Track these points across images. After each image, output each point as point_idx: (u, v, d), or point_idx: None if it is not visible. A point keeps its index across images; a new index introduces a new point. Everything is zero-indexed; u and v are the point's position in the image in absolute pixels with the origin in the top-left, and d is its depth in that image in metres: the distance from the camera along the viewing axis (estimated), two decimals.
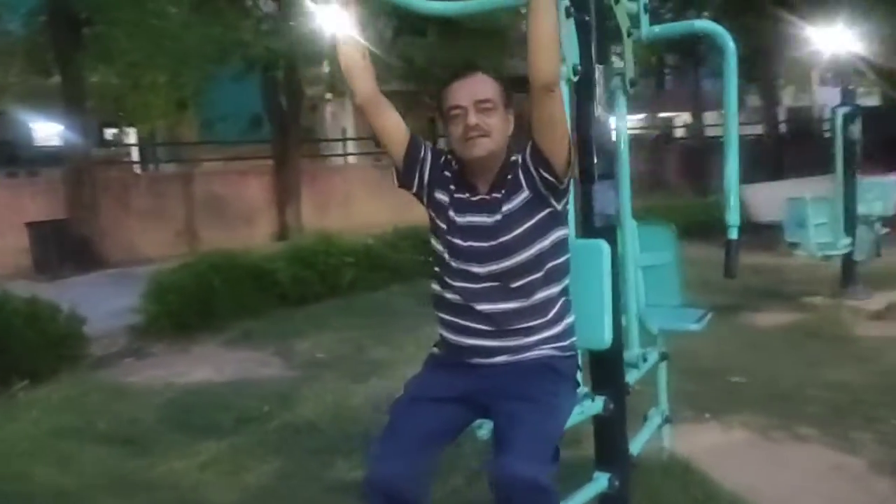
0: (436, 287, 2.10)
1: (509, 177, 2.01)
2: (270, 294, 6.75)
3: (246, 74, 10.97)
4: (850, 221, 5.68)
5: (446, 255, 2.04)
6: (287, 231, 11.68)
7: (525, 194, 2.00)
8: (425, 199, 2.10)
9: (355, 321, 6.40)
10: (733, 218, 2.60)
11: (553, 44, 1.83)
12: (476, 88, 1.98)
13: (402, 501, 1.85)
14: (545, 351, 2.01)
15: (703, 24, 2.67)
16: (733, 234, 2.62)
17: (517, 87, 2.03)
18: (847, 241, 5.60)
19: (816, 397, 4.04)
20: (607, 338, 2.14)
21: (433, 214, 2.09)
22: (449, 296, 2.05)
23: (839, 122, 5.59)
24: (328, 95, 12.18)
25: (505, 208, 1.99)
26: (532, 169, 1.98)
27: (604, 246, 2.16)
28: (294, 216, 11.76)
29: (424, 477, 1.92)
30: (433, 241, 2.10)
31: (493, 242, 1.99)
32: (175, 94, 9.58)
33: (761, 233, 8.02)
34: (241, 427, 3.89)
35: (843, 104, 5.73)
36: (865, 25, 10.59)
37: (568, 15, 2.17)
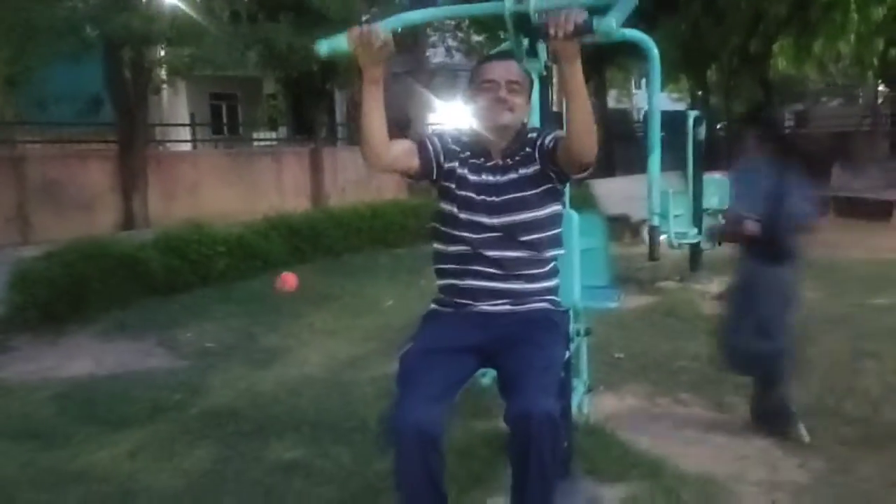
0: (439, 245, 2.33)
1: (526, 149, 2.27)
2: (141, 284, 6.48)
3: (86, 52, 10.28)
4: (698, 214, 6.38)
5: (455, 209, 2.26)
6: (133, 220, 11.11)
7: (536, 167, 2.26)
8: (436, 176, 2.31)
9: (235, 310, 6.32)
10: (656, 206, 2.95)
11: (593, 129, 2.05)
12: (510, 70, 2.25)
13: (431, 442, 2.02)
14: (543, 304, 2.28)
15: (632, 33, 2.99)
16: (655, 221, 2.97)
17: None
18: (696, 231, 6.28)
19: (686, 367, 4.56)
20: (577, 296, 2.42)
21: (444, 182, 2.30)
22: (455, 248, 2.27)
23: (690, 124, 6.25)
24: (164, 77, 11.67)
25: (521, 171, 2.26)
26: (547, 158, 2.24)
27: (573, 214, 2.43)
28: (140, 204, 11.19)
29: (445, 421, 2.10)
30: (441, 204, 2.31)
31: (507, 197, 2.24)
32: (5, 71, 8.85)
33: (609, 224, 8.73)
34: (157, 416, 3.81)
35: (691, 108, 6.41)
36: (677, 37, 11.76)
37: None
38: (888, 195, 11.29)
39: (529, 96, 2.32)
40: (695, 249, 6.70)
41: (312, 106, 14.21)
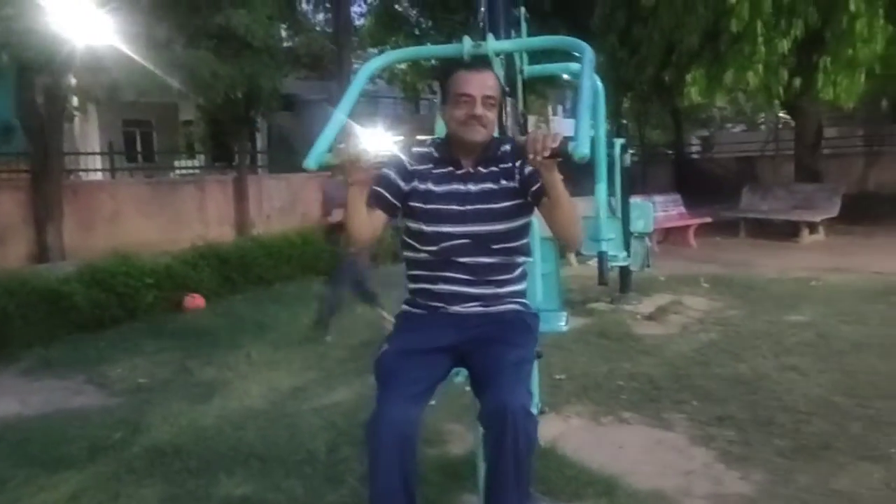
0: (409, 254, 2.38)
1: (506, 163, 2.32)
2: (65, 319, 6.24)
3: None
4: (627, 237, 6.59)
5: (422, 225, 2.31)
6: (47, 252, 10.65)
7: (514, 184, 2.30)
8: (402, 205, 2.35)
9: (167, 343, 6.15)
10: (604, 233, 3.06)
11: (578, 224, 2.23)
12: (486, 84, 2.28)
13: (408, 440, 2.07)
14: (514, 305, 2.35)
15: (573, 71, 3.12)
16: (602, 248, 3.08)
17: None
18: (625, 254, 6.48)
19: (625, 387, 4.69)
20: (539, 301, 2.50)
21: (410, 203, 2.34)
22: (425, 257, 2.32)
23: (617, 151, 6.47)
24: (76, 106, 11.30)
25: (502, 182, 2.30)
26: (530, 196, 2.28)
27: (535, 222, 2.50)
28: (55, 236, 10.72)
29: (421, 422, 2.15)
30: (408, 222, 2.36)
31: (479, 206, 2.29)
32: None
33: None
34: (97, 456, 3.66)
35: (618, 136, 6.64)
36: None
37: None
38: (794, 216, 11.90)
39: (501, 106, 2.40)
40: (624, 271, 6.90)
41: (234, 133, 13.97)
